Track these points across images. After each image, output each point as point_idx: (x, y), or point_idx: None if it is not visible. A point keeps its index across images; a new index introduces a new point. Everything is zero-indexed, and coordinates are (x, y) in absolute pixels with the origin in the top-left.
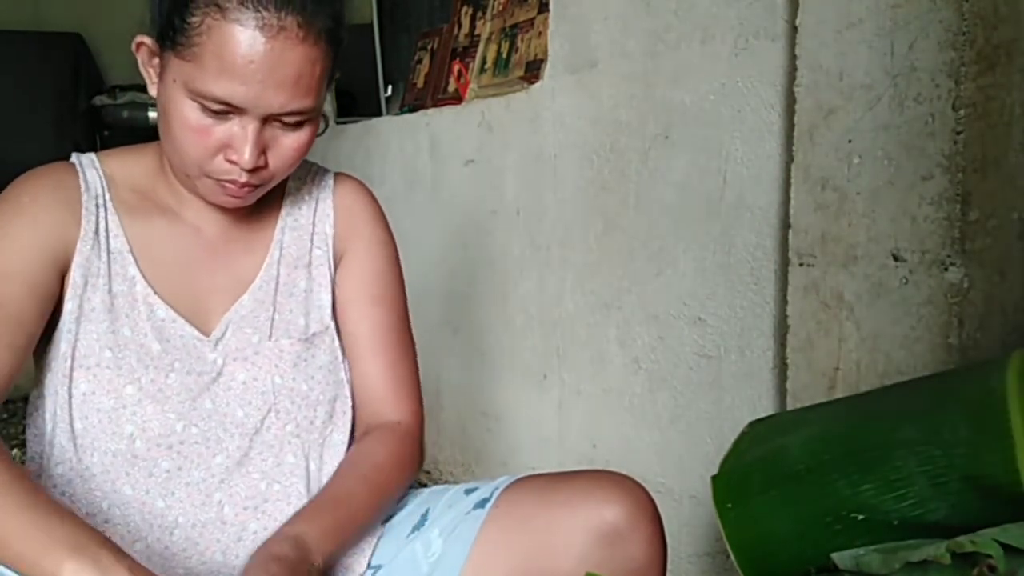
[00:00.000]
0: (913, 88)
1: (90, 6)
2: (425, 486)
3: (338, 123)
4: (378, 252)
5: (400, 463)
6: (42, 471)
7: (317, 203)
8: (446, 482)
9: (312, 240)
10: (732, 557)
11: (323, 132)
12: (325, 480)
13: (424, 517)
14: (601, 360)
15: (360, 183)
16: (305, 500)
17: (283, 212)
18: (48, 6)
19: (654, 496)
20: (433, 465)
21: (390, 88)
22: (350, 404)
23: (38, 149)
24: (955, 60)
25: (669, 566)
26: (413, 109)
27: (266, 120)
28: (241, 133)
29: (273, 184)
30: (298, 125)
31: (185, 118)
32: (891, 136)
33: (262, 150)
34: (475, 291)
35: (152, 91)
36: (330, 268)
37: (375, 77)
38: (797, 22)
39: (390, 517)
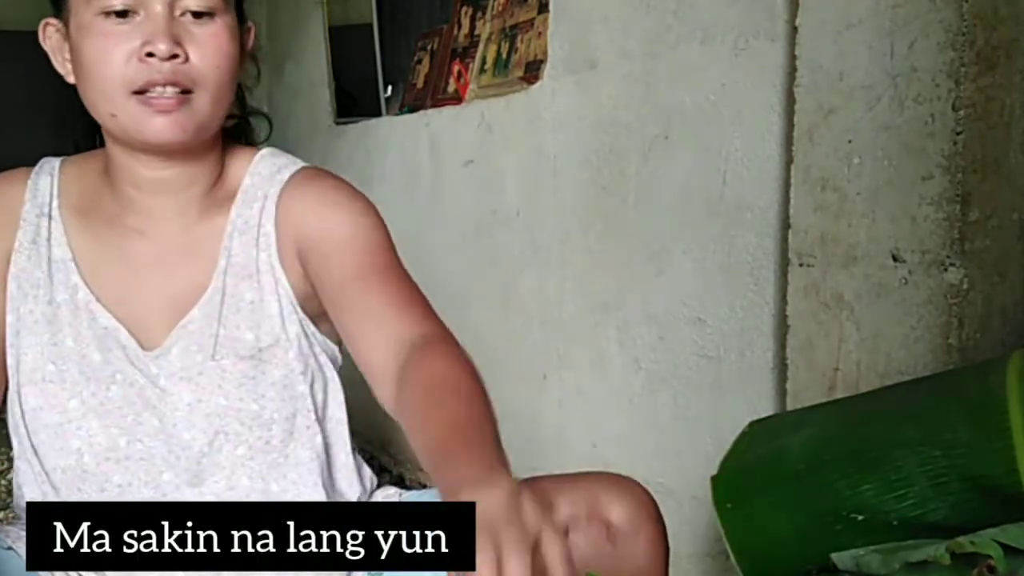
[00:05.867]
0: (913, 88)
1: None
2: (424, 486)
3: (338, 123)
4: (347, 233)
5: (460, 360)
6: (23, 481)
7: (265, 200)
8: None
9: (257, 244)
10: (732, 557)
11: (266, 140)
12: (289, 499)
13: None
14: (601, 360)
15: (315, 171)
16: None
17: (233, 215)
18: (48, 6)
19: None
20: None
21: (390, 88)
22: (313, 418)
23: (38, 149)
24: (955, 60)
25: (669, 566)
26: (413, 109)
27: (172, 12)
28: (149, 23)
29: (205, 97)
30: (209, 16)
31: (95, 36)
32: (891, 136)
33: (177, 41)
34: (475, 291)
35: (70, 80)
36: (274, 272)
37: (375, 77)
38: (797, 22)
39: None
